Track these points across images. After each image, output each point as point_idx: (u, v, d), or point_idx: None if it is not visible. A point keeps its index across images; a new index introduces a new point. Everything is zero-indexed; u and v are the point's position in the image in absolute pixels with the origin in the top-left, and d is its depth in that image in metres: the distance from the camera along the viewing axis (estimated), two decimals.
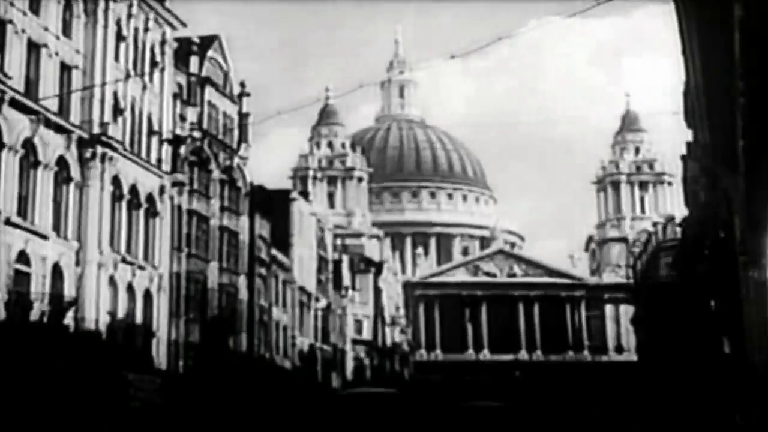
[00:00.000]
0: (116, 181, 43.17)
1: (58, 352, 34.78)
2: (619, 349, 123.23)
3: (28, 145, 37.31)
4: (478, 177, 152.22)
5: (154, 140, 47.79)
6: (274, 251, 62.59)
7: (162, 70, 48.82)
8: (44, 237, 37.84)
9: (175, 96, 50.42)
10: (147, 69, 47.52)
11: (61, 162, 39.71)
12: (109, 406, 36.52)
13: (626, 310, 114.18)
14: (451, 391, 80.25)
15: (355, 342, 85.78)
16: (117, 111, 44.11)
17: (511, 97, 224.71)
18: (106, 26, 43.36)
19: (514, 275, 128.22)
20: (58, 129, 39.29)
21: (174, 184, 48.64)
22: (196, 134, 51.74)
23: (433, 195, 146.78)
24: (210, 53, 55.25)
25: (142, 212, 45.66)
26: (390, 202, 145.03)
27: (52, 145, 38.85)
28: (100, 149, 41.55)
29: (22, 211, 36.79)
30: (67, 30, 41.40)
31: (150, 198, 46.40)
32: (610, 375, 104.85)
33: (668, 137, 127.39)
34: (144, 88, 47.03)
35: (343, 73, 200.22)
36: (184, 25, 50.80)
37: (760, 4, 12.49)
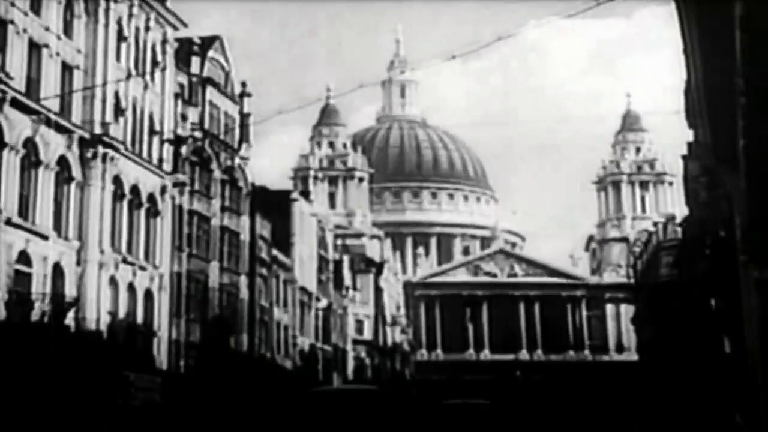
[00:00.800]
0: (117, 180, 43.21)
1: (59, 352, 34.81)
2: (620, 348, 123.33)
3: (30, 144, 37.34)
4: (479, 177, 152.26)
5: (156, 140, 47.83)
6: (275, 251, 62.65)
7: (163, 70, 48.87)
8: (45, 237, 37.86)
9: (177, 96, 50.46)
10: (148, 69, 47.57)
11: (63, 162, 39.74)
12: (109, 406, 36.56)
13: (627, 310, 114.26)
14: (452, 391, 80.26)
15: (356, 342, 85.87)
16: (118, 111, 44.15)
17: (512, 96, 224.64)
18: (107, 26, 43.41)
19: (514, 275, 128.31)
20: (60, 129, 39.32)
21: (175, 184, 48.67)
22: (198, 134, 51.79)
23: (434, 195, 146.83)
24: (211, 53, 55.32)
25: (143, 212, 45.71)
26: (391, 202, 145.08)
27: (53, 145, 38.88)
28: (101, 149, 41.59)
29: (23, 211, 36.82)
30: (68, 30, 41.44)
31: (151, 198, 46.44)
32: (611, 374, 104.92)
33: (669, 137, 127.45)
34: (145, 87, 47.07)
35: (344, 73, 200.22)
36: (185, 25, 50.86)
37: (761, 3, 12.52)
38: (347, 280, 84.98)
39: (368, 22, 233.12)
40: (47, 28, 39.45)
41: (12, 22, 36.94)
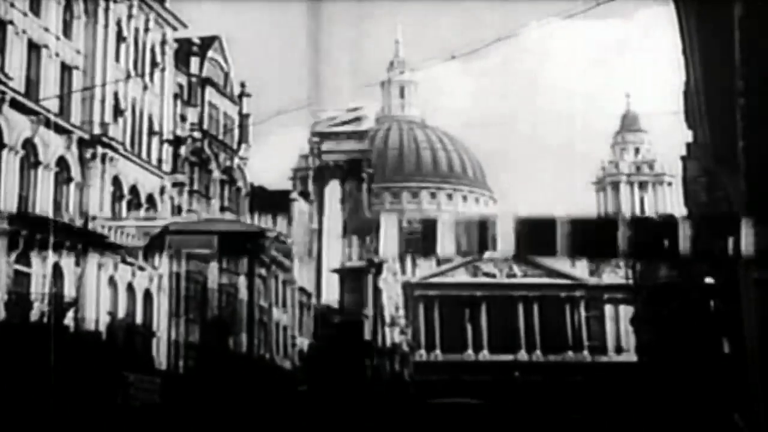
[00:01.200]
0: (116, 181, 43.19)
1: (58, 353, 34.76)
2: (619, 349, 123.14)
3: (29, 145, 37.33)
4: (478, 177, 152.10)
5: (155, 141, 47.81)
6: (274, 252, 62.55)
7: (162, 70, 48.85)
8: None
9: (176, 96, 50.43)
10: (147, 69, 47.55)
11: (62, 162, 39.72)
12: (109, 407, 36.51)
13: (626, 311, 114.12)
14: (450, 392, 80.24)
15: None
16: (117, 111, 44.13)
17: (512, 97, 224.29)
18: (106, 27, 43.39)
19: (513, 276, 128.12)
20: (59, 129, 39.30)
21: (174, 184, 48.65)
22: (197, 135, 51.76)
23: (433, 195, 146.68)
24: (210, 54, 55.27)
25: (142, 212, 45.66)
26: (390, 202, 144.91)
27: (52, 146, 38.86)
28: (100, 149, 41.57)
29: (22, 212, 36.76)
30: (67, 30, 41.41)
31: (150, 198, 46.42)
32: (610, 375, 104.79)
33: (668, 138, 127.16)
34: (144, 88, 47.05)
35: (343, 73, 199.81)
36: (184, 25, 50.83)
37: (760, 4, 12.52)
38: None
39: (368, 22, 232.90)
40: (47, 29, 39.42)
41: (11, 22, 36.91)
